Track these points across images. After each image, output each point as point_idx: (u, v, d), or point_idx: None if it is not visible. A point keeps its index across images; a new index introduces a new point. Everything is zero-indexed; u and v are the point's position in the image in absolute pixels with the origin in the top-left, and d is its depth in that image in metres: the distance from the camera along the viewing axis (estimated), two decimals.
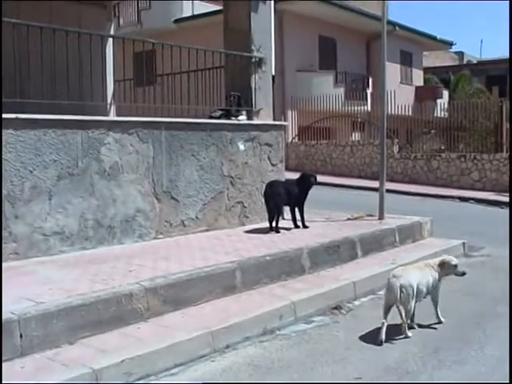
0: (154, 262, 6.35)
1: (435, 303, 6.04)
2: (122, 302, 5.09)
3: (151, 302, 5.33)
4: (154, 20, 27.87)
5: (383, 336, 5.35)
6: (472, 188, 20.03)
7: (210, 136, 8.46)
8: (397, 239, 9.00)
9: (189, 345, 4.87)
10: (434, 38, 34.60)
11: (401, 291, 5.54)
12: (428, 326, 5.91)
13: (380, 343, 5.30)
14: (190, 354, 4.84)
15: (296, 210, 8.89)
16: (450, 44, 37.09)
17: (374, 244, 8.48)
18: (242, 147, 8.99)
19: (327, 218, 9.99)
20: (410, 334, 5.60)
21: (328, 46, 29.20)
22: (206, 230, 8.43)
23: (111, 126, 7.18)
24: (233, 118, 9.08)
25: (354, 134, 26.66)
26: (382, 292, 7.06)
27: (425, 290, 5.81)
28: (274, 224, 8.52)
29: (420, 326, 5.88)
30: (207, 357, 4.93)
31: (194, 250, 7.11)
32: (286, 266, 6.92)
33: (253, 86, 9.42)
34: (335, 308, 6.40)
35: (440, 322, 5.98)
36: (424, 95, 31.88)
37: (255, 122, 9.39)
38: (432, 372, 4.75)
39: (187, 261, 6.43)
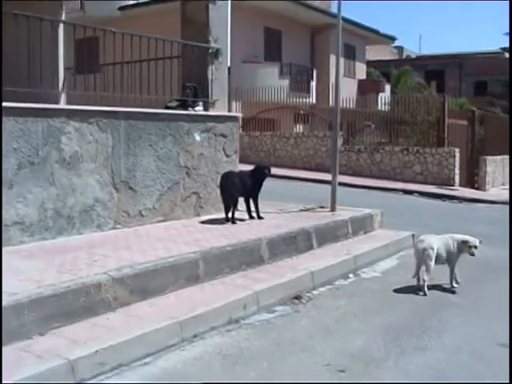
0: (117, 252, 6.34)
1: (451, 269, 7.12)
2: (91, 293, 5.09)
3: (119, 292, 5.34)
4: (98, 7, 27.43)
5: (419, 286, 6.94)
6: (414, 181, 20.58)
7: (167, 126, 8.46)
8: (350, 231, 9.20)
9: (158, 334, 4.91)
10: (377, 33, 35.22)
11: (423, 252, 6.83)
12: (446, 290, 7.07)
13: (417, 290, 6.91)
14: (160, 343, 4.88)
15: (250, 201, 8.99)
16: (392, 39, 37.83)
17: (328, 235, 8.65)
18: (198, 138, 9.02)
19: (280, 209, 10.12)
20: (427, 291, 6.84)
21: (273, 38, 29.39)
22: (163, 221, 8.44)
23: (71, 114, 7.10)
24: (189, 109, 9.09)
25: (297, 126, 26.93)
26: (338, 282, 7.32)
27: (444, 255, 6.96)
28: (229, 215, 8.59)
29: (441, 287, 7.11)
30: (176, 346, 4.98)
31: (154, 241, 7.12)
32: (246, 257, 7.01)
33: (209, 77, 9.45)
34: (295, 298, 6.52)
35: (457, 283, 7.18)
36: (367, 88, 32.46)
37: (211, 113, 9.42)
38: (396, 358, 4.93)
39: (150, 251, 6.44)
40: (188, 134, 8.85)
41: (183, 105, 9.16)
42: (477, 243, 7.02)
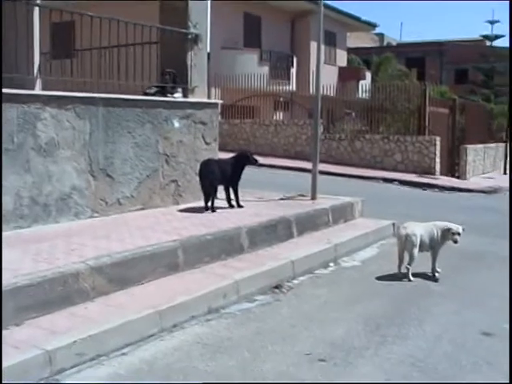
0: (95, 241, 6.31)
1: (433, 257, 7.19)
2: (69, 282, 5.05)
3: (97, 282, 5.31)
4: None
5: (400, 274, 7.06)
6: (395, 169, 20.68)
7: (146, 113, 8.41)
8: (330, 219, 9.22)
9: (138, 324, 4.90)
10: (358, 19, 35.24)
11: (406, 239, 6.90)
12: (429, 278, 7.15)
13: (399, 278, 7.02)
14: (139, 333, 4.87)
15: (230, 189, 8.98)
16: (373, 26, 37.88)
17: (308, 224, 8.67)
18: (177, 125, 8.97)
19: (260, 197, 10.12)
20: (412, 279, 6.96)
21: (253, 24, 29.30)
22: (141, 209, 8.40)
23: (48, 100, 7.03)
24: (168, 96, 9.04)
25: (277, 114, 26.92)
26: (318, 271, 7.36)
27: (428, 242, 7.04)
28: (209, 203, 8.58)
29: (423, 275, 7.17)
30: (156, 336, 4.97)
31: (133, 229, 7.09)
32: (226, 245, 7.01)
33: (188, 63, 9.39)
34: (276, 287, 6.54)
35: (437, 272, 7.20)
36: (347, 76, 32.51)
37: (191, 99, 9.38)
38: (377, 347, 4.97)
39: (128, 240, 6.42)
40: (167, 121, 8.80)
41: (162, 91, 9.11)
42: (460, 230, 7.09)
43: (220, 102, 10.27)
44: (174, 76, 9.23)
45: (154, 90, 9.10)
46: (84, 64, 8.88)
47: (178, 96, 9.18)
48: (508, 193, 17.30)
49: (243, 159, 8.99)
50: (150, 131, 8.51)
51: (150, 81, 9.28)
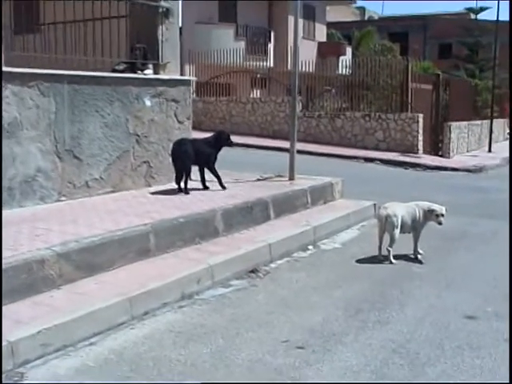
0: (62, 226, 6.23)
1: (415, 239, 7.21)
2: (34, 269, 4.98)
3: (64, 269, 5.24)
4: None
5: (381, 256, 7.06)
6: (377, 148, 20.71)
7: (114, 91, 8.29)
8: (309, 200, 9.21)
9: (106, 312, 4.85)
10: None
11: (386, 220, 6.89)
12: (412, 260, 7.18)
13: (380, 261, 7.02)
14: (108, 321, 4.82)
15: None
16: None
17: (286, 205, 8.65)
18: (148, 103, 8.87)
19: (236, 178, 10.06)
20: (394, 261, 6.96)
21: None
22: (111, 192, 8.31)
23: (9, 77, 6.89)
24: (138, 72, 8.93)
25: (254, 91, 26.81)
26: (297, 254, 7.34)
27: (410, 223, 7.03)
28: (182, 185, 8.51)
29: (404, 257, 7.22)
30: (126, 324, 4.93)
31: (102, 213, 7.02)
32: (200, 229, 6.97)
33: (159, 37, 9.27)
34: (252, 271, 6.52)
35: (419, 254, 7.23)
36: (327, 51, 32.43)
37: (162, 76, 9.27)
38: (357, 333, 4.96)
39: (97, 224, 6.35)
40: (137, 99, 8.69)
41: (132, 68, 8.99)
42: (443, 211, 7.10)
43: (194, 78, 10.24)
44: (144, 52, 9.11)
45: (123, 66, 8.98)
46: (49, 39, 8.72)
47: (148, 73, 9.07)
48: (494, 171, 17.43)
49: (222, 139, 8.91)
50: (120, 110, 8.40)
51: (119, 57, 9.14)
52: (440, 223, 7.09)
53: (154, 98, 8.96)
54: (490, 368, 4.42)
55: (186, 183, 8.53)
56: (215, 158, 8.89)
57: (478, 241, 8.45)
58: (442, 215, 7.07)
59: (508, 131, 32.04)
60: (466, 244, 8.25)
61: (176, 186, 8.55)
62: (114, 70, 8.88)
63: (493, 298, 5.97)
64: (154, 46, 9.27)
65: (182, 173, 8.52)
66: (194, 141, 9.00)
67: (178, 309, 5.38)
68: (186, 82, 9.75)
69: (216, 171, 8.90)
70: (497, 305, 5.74)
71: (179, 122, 9.48)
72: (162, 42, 9.33)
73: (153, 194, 8.46)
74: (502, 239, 8.45)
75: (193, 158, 8.54)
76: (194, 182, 8.81)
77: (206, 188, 8.86)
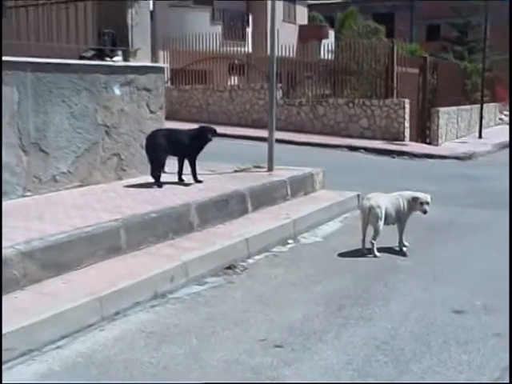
0: (26, 223, 6.20)
1: (400, 230, 7.25)
2: None
3: (28, 268, 5.22)
4: None
5: (364, 249, 7.10)
6: (361, 136, 20.79)
7: (82, 79, 8.25)
8: (288, 192, 9.24)
9: (75, 313, 4.84)
10: None
11: (369, 211, 6.91)
12: (397, 252, 7.24)
13: (363, 254, 7.08)
14: (76, 323, 4.81)
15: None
16: None
17: (264, 197, 8.67)
18: (117, 92, 8.83)
19: (212, 170, 10.06)
20: (378, 254, 7.01)
21: None
22: (80, 186, 8.28)
23: None
24: (107, 59, 8.90)
25: (232, 78, 26.78)
26: (276, 249, 7.37)
27: (394, 214, 7.08)
28: (157, 178, 8.51)
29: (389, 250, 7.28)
30: (96, 326, 4.93)
31: (70, 208, 7.00)
32: (174, 224, 6.97)
33: (129, 22, 9.23)
34: (229, 268, 6.54)
35: (404, 246, 7.31)
36: (308, 35, 32.44)
37: (132, 63, 9.23)
38: (339, 330, 5.00)
39: (64, 220, 6.33)
40: (106, 88, 8.65)
41: (100, 54, 8.96)
42: (428, 199, 7.15)
43: (166, 65, 10.26)
44: (113, 37, 9.08)
45: (90, 53, 8.95)
46: (11, 24, 8.66)
47: (117, 60, 9.03)
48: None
49: (206, 135, 8.82)
50: (88, 99, 8.37)
51: (87, 43, 9.12)
52: (425, 211, 7.14)
53: (124, 86, 8.92)
54: (478, 364, 4.47)
55: (159, 176, 8.53)
56: (197, 152, 8.87)
57: (467, 232, 8.51)
58: (427, 203, 7.12)
59: (500, 116, 32.30)
60: (454, 235, 8.31)
61: (151, 180, 8.54)
62: (82, 58, 8.85)
63: (481, 292, 6.02)
64: (124, 32, 9.24)
65: (155, 165, 8.51)
66: (174, 131, 8.98)
67: (150, 308, 5.38)
68: (158, 70, 9.72)
69: (194, 165, 8.88)
70: (486, 298, 5.79)
71: (151, 111, 9.45)
72: (132, 26, 9.29)
73: (124, 187, 8.43)
74: (492, 230, 8.55)
75: (167, 149, 8.52)
76: (171, 174, 8.79)
77: (181, 181, 8.84)
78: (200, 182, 8.83)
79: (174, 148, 8.55)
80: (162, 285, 5.73)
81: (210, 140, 8.81)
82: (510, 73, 27.34)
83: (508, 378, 4.28)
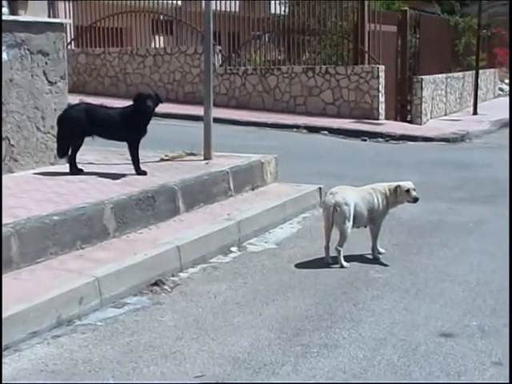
0: None
1: (374, 234, 7.26)
2: None
3: None
4: None
5: (329, 258, 7.16)
6: (323, 114, 20.90)
7: None
8: (231, 186, 9.28)
9: None
10: None
11: (334, 209, 6.78)
12: (367, 261, 7.33)
13: (327, 264, 7.10)
14: None
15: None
16: None
17: (200, 194, 8.71)
18: (4, 56, 8.74)
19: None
20: (345, 264, 7.08)
21: None
22: None
23: None
24: None
25: (157, 39, 26.65)
26: (216, 260, 7.40)
27: (366, 213, 7.05)
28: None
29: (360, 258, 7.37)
30: None
31: None
32: (83, 229, 6.96)
33: None
34: (155, 284, 6.57)
35: (379, 253, 7.32)
36: None
37: (22, 18, 9.16)
38: (296, 361, 5.05)
39: None
40: None
41: None
42: (412, 185, 7.28)
43: (69, 21, 10.11)
44: None
45: None
46: None
47: (4, 12, 8.95)
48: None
49: (143, 104, 8.87)
50: None
51: None
52: (415, 199, 7.26)
53: (13, 48, 8.83)
54: None
55: (71, 164, 8.68)
56: (137, 132, 8.94)
57: (457, 233, 8.65)
58: (414, 189, 7.24)
59: (500, 86, 32.69)
60: (441, 238, 8.42)
61: (52, 170, 8.60)
62: None
63: (475, 309, 6.14)
64: None
65: (61, 151, 8.63)
66: (97, 107, 9.11)
67: (52, 340, 5.36)
68: (58, 27, 9.64)
69: (135, 151, 8.95)
70: (481, 317, 5.91)
71: (50, 82, 9.40)
72: None
73: (16, 182, 8.38)
74: (489, 230, 8.70)
75: (83, 128, 8.62)
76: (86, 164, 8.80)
77: (79, 171, 8.83)
78: (144, 173, 8.87)
79: (92, 128, 8.62)
80: (68, 308, 5.71)
81: (149, 109, 8.85)
82: (510, 61, 27.75)
83: None
